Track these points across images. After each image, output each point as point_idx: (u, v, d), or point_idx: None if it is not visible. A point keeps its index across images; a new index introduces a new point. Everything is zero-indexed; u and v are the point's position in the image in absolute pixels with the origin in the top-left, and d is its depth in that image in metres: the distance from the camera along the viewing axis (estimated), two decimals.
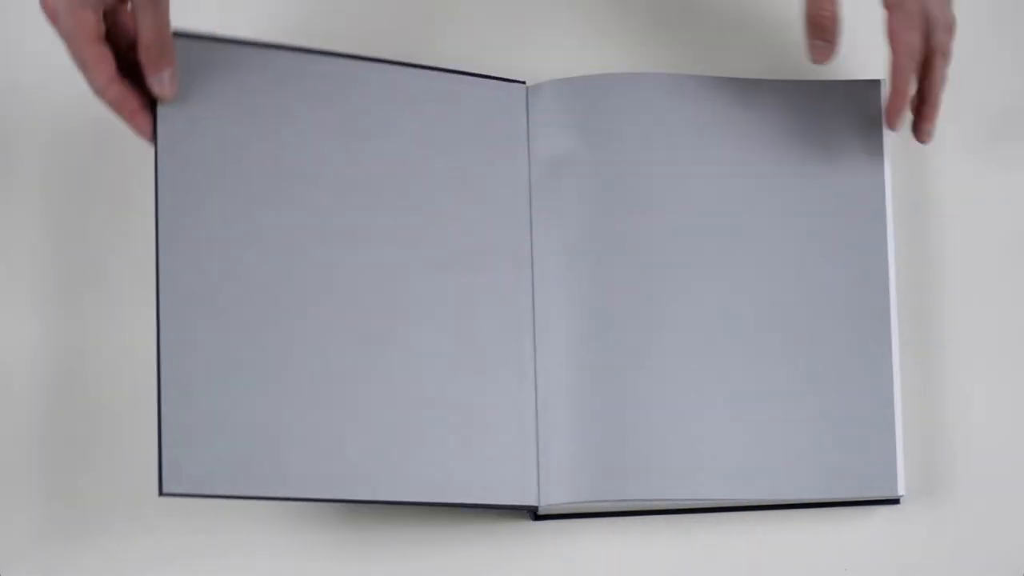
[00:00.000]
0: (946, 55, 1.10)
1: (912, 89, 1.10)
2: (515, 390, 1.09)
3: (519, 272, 1.11)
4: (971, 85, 1.19)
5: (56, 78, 1.15)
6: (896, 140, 1.15)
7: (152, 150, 1.05)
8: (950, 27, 1.09)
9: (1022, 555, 1.13)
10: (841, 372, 1.12)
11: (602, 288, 1.11)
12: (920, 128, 1.13)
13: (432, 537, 1.13)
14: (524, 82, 1.14)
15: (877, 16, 1.08)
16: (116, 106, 1.02)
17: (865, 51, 1.15)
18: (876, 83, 1.15)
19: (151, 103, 1.04)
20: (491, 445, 1.08)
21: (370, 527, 1.13)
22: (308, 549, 1.13)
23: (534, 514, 1.12)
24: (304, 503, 1.11)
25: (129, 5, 1.01)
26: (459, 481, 1.08)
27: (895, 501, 1.12)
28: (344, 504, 1.12)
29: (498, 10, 1.20)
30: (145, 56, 1.01)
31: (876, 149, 1.14)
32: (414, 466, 1.07)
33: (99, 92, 1.01)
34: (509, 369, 1.09)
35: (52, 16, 0.99)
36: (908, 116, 1.12)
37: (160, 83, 1.02)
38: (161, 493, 1.01)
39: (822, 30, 1.06)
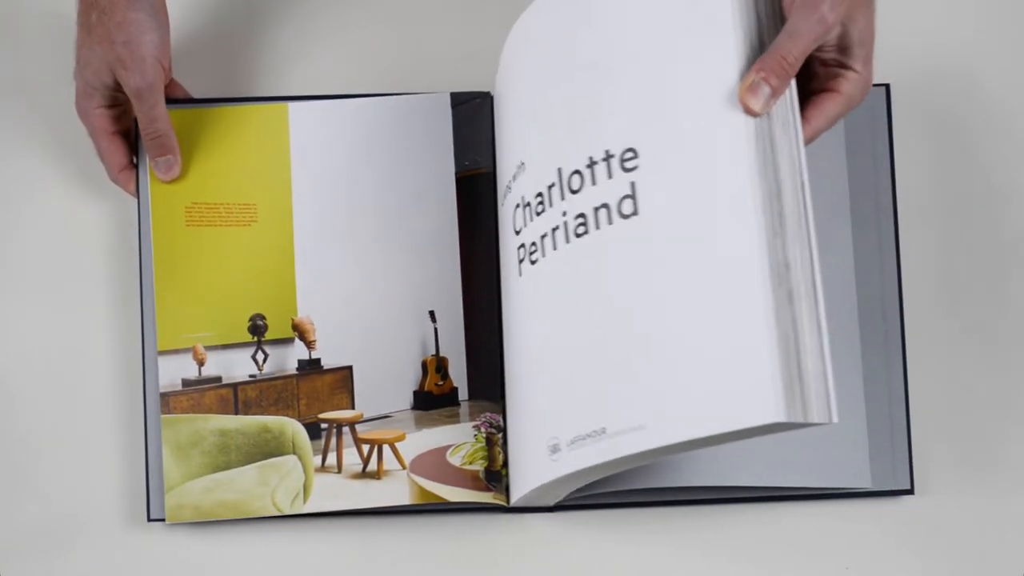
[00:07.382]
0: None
1: None
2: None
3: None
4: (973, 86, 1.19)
5: (56, 78, 1.17)
6: (900, 141, 1.16)
7: None
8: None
9: (1021, 555, 1.13)
10: (844, 371, 1.11)
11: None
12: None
13: (425, 534, 1.13)
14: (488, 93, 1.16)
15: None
16: (126, 189, 1.16)
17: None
18: (881, 88, 1.15)
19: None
20: None
21: (363, 525, 1.13)
22: (303, 547, 1.13)
23: (507, 508, 1.12)
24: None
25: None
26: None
27: (908, 492, 1.12)
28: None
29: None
30: (145, 146, 1.14)
31: (882, 151, 1.14)
32: None
33: (112, 179, 1.16)
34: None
35: (79, 115, 1.15)
36: None
37: (158, 168, 1.15)
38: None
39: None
